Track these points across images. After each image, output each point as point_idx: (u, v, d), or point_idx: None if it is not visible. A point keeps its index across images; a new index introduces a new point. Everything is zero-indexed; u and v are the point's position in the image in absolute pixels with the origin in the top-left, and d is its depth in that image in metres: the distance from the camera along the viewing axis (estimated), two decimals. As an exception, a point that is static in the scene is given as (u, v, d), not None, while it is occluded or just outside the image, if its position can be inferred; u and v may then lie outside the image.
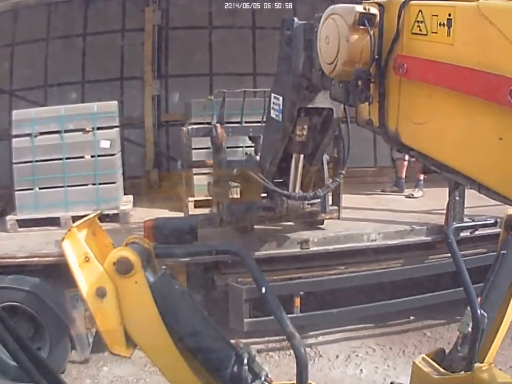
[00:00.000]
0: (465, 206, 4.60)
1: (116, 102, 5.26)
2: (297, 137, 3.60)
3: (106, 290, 2.01)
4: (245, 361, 2.06)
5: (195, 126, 5.04)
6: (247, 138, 4.97)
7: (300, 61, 3.07)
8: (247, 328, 4.22)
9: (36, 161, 4.86)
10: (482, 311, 2.78)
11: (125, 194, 5.48)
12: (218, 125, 4.48)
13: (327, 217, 4.82)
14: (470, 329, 2.87)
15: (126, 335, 2.04)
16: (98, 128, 4.95)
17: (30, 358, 1.83)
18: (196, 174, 5.41)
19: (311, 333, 4.69)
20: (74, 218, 4.26)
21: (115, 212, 4.91)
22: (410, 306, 4.66)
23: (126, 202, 5.30)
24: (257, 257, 4.08)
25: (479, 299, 2.89)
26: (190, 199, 5.14)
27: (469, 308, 2.88)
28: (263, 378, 2.09)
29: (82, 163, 4.95)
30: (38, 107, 5.92)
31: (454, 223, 3.32)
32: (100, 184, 4.97)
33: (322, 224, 4.88)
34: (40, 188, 4.89)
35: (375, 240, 4.60)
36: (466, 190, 4.42)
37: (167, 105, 7.14)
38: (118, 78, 6.92)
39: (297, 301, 4.29)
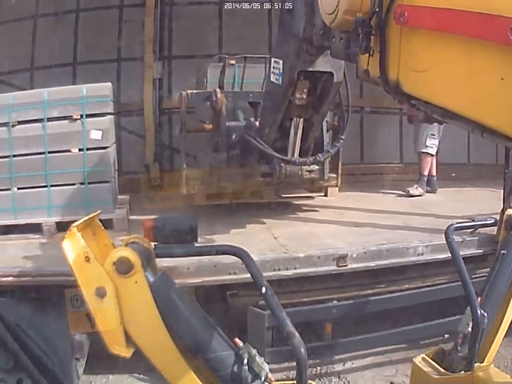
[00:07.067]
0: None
1: (109, 84, 4.62)
2: (296, 101, 3.68)
3: (106, 290, 2.08)
4: (245, 361, 2.14)
5: (194, 91, 4.87)
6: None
7: (301, 23, 3.17)
8: (268, 359, 3.40)
9: (14, 155, 4.20)
10: (482, 311, 2.91)
11: (120, 194, 4.87)
12: (218, 89, 4.63)
13: (326, 184, 4.94)
14: (470, 329, 2.96)
15: (126, 335, 2.10)
16: (88, 116, 4.29)
17: (30, 357, 1.87)
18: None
19: (336, 357, 4.11)
20: (59, 225, 3.91)
21: (108, 217, 4.08)
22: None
23: (121, 205, 4.66)
24: (286, 277, 3.76)
25: (479, 299, 3.01)
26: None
27: (469, 308, 2.98)
28: (263, 378, 2.15)
29: (68, 158, 4.27)
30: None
31: (455, 222, 3.31)
32: (89, 183, 4.29)
33: (321, 191, 5.00)
34: (18, 188, 4.23)
35: (422, 254, 4.07)
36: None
37: (169, 91, 6.64)
38: (115, 59, 6.49)
39: (329, 328, 3.89)
